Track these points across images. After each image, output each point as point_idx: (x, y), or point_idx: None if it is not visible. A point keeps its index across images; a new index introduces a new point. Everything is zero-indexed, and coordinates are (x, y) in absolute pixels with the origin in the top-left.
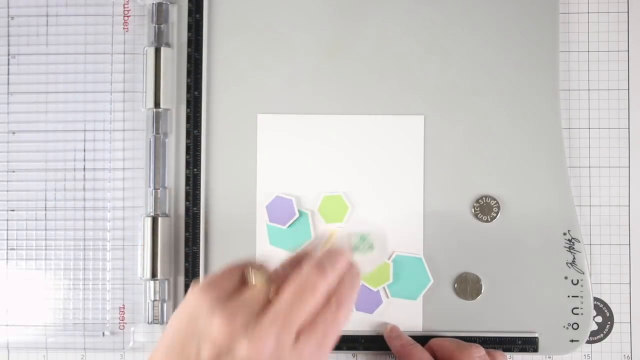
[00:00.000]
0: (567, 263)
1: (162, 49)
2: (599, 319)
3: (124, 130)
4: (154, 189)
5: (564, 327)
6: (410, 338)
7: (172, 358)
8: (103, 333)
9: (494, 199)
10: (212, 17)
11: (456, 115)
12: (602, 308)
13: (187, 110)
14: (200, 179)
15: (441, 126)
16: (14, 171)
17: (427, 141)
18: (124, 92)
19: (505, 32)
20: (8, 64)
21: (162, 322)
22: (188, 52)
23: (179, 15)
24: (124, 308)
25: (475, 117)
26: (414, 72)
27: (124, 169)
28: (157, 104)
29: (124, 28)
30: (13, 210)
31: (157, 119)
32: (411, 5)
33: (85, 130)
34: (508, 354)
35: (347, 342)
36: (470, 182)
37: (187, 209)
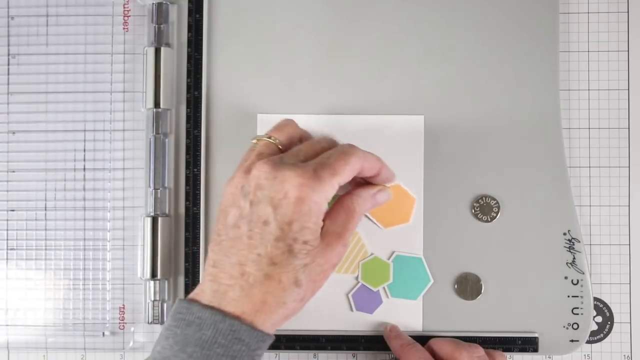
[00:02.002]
0: (567, 263)
1: (162, 49)
2: (599, 319)
3: (124, 130)
4: (154, 189)
5: (564, 327)
6: (410, 338)
7: (230, 209)
8: (103, 333)
9: (494, 199)
10: (212, 17)
11: (456, 115)
12: (602, 308)
13: (187, 110)
14: (200, 179)
15: (441, 126)
16: (14, 171)
17: (427, 141)
18: (124, 92)
19: (505, 32)
20: (8, 64)
21: (162, 322)
22: (188, 52)
23: (179, 15)
24: (124, 308)
25: (475, 117)
26: (414, 72)
27: (124, 169)
28: (157, 104)
29: (124, 28)
30: (13, 210)
31: (157, 119)
32: (411, 5)
33: (85, 130)
34: (508, 354)
35: (347, 342)
36: (470, 182)
37: (187, 209)
